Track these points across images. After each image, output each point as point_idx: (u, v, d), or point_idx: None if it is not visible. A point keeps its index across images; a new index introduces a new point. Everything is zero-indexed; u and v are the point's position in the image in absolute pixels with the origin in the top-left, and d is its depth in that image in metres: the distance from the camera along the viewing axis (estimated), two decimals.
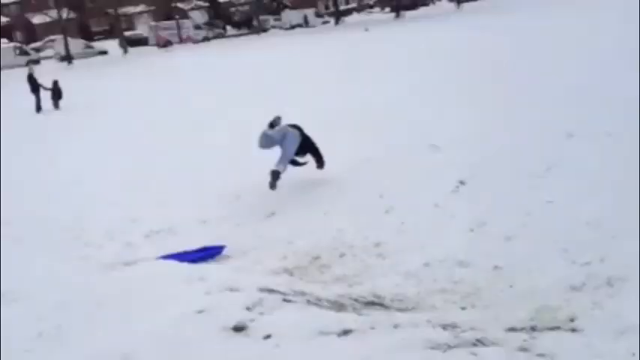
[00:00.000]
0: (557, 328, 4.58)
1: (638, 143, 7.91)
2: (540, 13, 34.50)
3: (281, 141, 8.29)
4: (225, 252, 6.77)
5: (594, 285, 5.04)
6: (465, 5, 57.53)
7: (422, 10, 64.01)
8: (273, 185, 8.06)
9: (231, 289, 5.37)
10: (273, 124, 8.36)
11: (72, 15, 55.08)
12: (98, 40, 65.53)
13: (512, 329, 4.62)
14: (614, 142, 8.35)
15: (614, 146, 8.19)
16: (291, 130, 8.44)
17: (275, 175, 8.08)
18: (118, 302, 5.25)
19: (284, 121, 8.57)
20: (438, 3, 70.63)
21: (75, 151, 13.06)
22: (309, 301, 5.26)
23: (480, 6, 54.24)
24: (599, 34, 20.05)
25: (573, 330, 4.52)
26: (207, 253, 6.71)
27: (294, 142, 8.34)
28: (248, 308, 4.94)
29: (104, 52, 53.24)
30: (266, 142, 8.34)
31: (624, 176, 7.06)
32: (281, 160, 8.22)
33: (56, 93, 20.59)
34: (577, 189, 6.95)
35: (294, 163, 8.57)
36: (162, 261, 6.36)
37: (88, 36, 65.50)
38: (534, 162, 8.03)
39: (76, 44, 52.04)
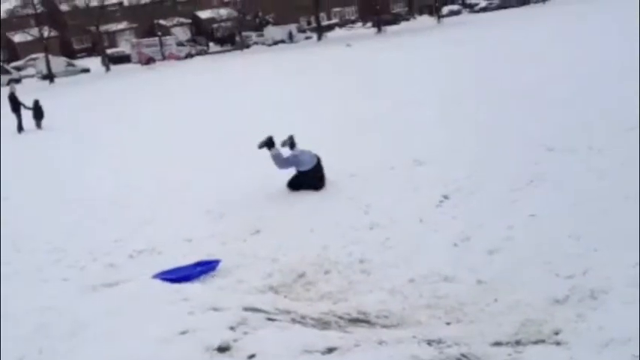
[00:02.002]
0: (542, 341, 4.59)
1: (619, 156, 8.02)
2: (518, 26, 34.98)
3: (297, 156, 8.98)
4: (220, 266, 6.71)
5: (578, 298, 5.07)
6: (445, 20, 58.16)
7: (403, 24, 64.58)
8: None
9: (215, 309, 5.30)
10: (291, 144, 9.06)
11: (53, 33, 54.96)
12: (80, 58, 65.27)
13: (497, 344, 4.63)
14: (596, 155, 8.46)
15: (595, 159, 8.28)
16: (312, 152, 9.01)
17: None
18: (100, 324, 5.18)
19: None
20: (418, 18, 71.32)
21: (57, 171, 12.94)
22: (293, 320, 5.22)
23: (459, 21, 54.98)
24: (579, 47, 20.34)
25: (558, 343, 4.53)
26: (203, 268, 6.64)
27: (311, 159, 8.91)
28: (232, 328, 4.88)
29: (86, 70, 53.01)
30: (280, 163, 9.03)
31: (605, 189, 7.14)
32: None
33: (38, 112, 20.44)
34: (559, 202, 7.02)
35: (302, 178, 8.93)
36: (145, 281, 6.27)
37: (70, 54, 65.11)
38: (516, 176, 8.11)
39: (58, 62, 51.86)
